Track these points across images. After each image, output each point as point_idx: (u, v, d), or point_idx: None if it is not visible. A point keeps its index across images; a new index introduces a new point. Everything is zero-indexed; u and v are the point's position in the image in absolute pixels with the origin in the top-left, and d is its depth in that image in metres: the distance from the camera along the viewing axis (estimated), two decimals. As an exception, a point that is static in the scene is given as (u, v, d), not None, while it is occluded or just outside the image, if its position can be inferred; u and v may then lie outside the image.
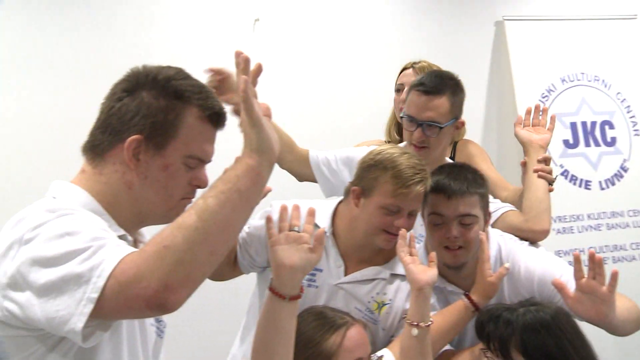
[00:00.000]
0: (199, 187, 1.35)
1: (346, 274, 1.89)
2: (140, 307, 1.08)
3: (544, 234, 2.09)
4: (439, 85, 2.11)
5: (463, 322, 1.82)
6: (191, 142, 1.31)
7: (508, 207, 2.15)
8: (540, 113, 2.33)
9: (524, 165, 2.23)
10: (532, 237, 2.07)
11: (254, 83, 1.29)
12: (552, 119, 2.31)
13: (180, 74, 1.33)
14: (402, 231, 1.77)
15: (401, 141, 2.26)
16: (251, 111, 1.23)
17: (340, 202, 1.96)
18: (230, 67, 1.43)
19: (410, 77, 2.50)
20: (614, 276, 1.63)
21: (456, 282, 1.94)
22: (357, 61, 3.62)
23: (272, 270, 1.54)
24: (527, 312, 1.57)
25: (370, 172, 1.84)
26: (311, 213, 1.60)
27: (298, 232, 1.55)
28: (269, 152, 1.24)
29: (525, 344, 1.56)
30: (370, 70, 3.61)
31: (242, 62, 1.26)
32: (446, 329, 1.78)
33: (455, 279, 1.94)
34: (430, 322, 1.70)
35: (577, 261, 1.67)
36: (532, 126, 2.30)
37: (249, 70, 1.27)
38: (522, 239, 2.05)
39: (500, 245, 1.97)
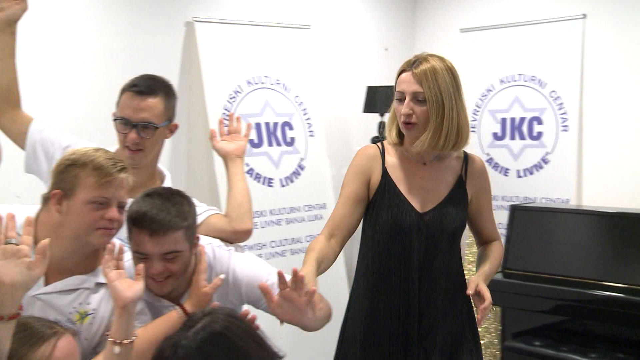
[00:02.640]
0: None
1: (46, 284, 1.82)
2: None
3: (247, 234, 2.21)
4: (152, 86, 2.14)
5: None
6: None
7: (212, 210, 2.23)
8: (236, 120, 2.42)
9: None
10: (236, 239, 2.18)
11: None
12: (248, 126, 2.43)
13: None
14: (110, 245, 1.76)
15: (402, 143, 2.22)
16: None
17: (39, 211, 1.88)
18: None
19: (412, 84, 2.17)
20: (310, 295, 1.77)
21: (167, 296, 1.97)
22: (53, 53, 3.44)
23: None
24: (197, 332, 1.47)
25: (69, 172, 1.81)
26: (29, 223, 1.51)
27: (16, 244, 1.45)
28: None
29: None
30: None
31: None
32: (157, 339, 1.75)
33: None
34: (133, 339, 1.71)
35: (280, 276, 1.77)
36: (229, 134, 2.39)
37: None
38: (226, 240, 2.15)
39: (209, 253, 2.05)
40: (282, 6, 4.27)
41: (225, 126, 2.41)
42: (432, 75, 2.06)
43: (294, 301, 1.78)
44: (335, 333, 2.31)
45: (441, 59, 2.13)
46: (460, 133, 2.10)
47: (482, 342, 4.10)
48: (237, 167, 2.34)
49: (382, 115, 4.32)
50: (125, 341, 1.68)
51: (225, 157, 2.34)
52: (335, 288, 4.14)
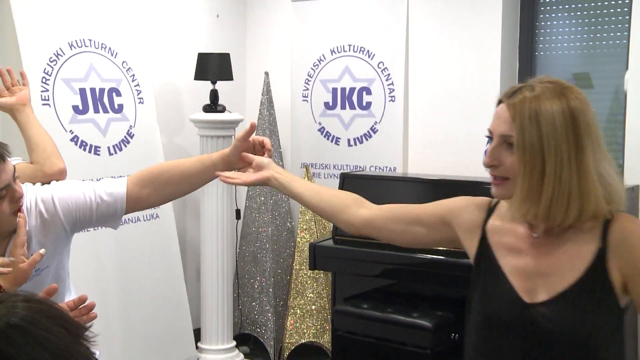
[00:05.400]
0: None
1: None
2: None
3: (62, 173, 2.23)
4: None
5: None
6: None
7: (16, 159, 2.14)
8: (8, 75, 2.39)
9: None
10: (52, 180, 2.13)
11: None
12: (22, 73, 2.43)
13: None
14: None
15: None
16: None
17: None
18: None
19: (502, 122, 1.62)
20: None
21: None
22: None
23: None
24: None
25: None
26: None
27: None
28: None
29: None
30: None
31: None
32: None
33: None
34: None
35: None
36: (8, 89, 2.37)
37: None
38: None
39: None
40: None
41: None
42: (533, 115, 1.46)
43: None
44: None
45: (561, 91, 1.49)
46: (575, 201, 1.45)
47: (313, 307, 4.21)
48: (27, 115, 2.33)
49: (213, 83, 4.25)
50: None
51: (11, 110, 2.33)
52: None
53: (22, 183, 1.97)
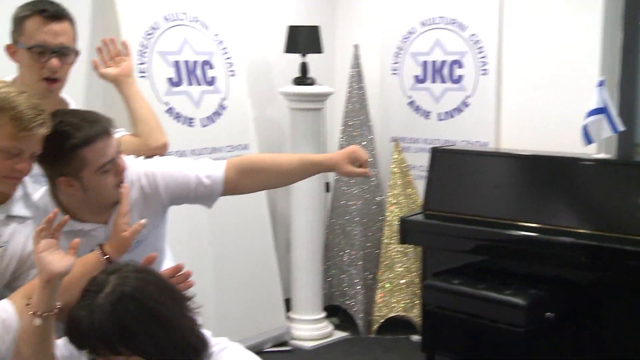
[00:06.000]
0: None
1: None
2: None
3: (164, 148, 2.26)
4: (61, 9, 2.08)
5: (93, 274, 1.79)
6: None
7: (121, 130, 2.18)
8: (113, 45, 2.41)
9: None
10: (155, 154, 2.18)
11: None
12: (124, 44, 2.42)
13: None
14: (51, 214, 1.64)
15: None
16: None
17: None
18: None
19: None
20: None
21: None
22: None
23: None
24: (107, 296, 1.46)
25: None
26: None
27: None
28: None
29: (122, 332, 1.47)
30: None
31: None
32: (74, 281, 1.66)
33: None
34: (55, 311, 1.62)
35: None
36: (112, 58, 2.38)
37: None
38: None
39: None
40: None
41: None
42: None
43: None
44: None
45: None
46: None
47: (402, 281, 4.19)
48: (130, 87, 2.35)
49: (303, 55, 4.25)
50: (46, 314, 1.60)
51: (115, 81, 2.34)
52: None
53: (126, 156, 2.02)
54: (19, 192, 1.85)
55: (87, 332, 1.45)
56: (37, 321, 1.59)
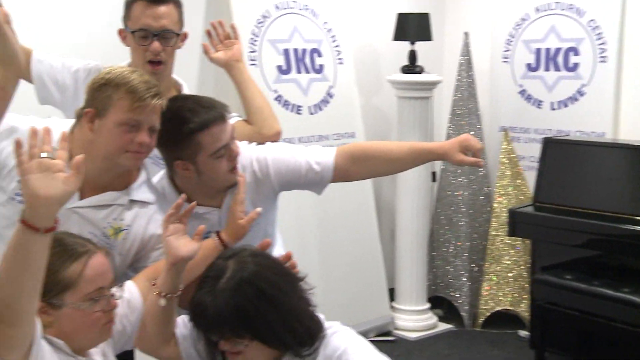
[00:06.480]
0: None
1: (81, 198, 1.80)
2: None
3: (278, 136, 2.26)
4: None
5: (210, 260, 1.78)
6: None
7: (235, 116, 2.19)
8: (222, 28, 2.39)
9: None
10: (269, 141, 2.19)
11: None
12: (233, 27, 2.39)
13: None
14: (179, 200, 1.73)
15: None
16: None
17: (73, 127, 1.83)
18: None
19: None
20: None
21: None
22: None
23: (24, 201, 1.37)
24: (228, 281, 1.53)
25: (102, 91, 1.76)
26: (64, 138, 1.45)
27: (51, 158, 1.40)
28: (15, 64, 1.11)
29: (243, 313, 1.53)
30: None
31: None
32: (194, 266, 1.73)
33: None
34: (179, 293, 1.69)
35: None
36: (221, 42, 2.35)
37: None
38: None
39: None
40: None
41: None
42: None
43: None
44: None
45: None
46: None
47: (510, 274, 4.09)
48: (242, 72, 2.33)
49: (412, 43, 4.20)
50: (170, 295, 1.67)
51: (226, 65, 2.33)
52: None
53: (240, 141, 2.05)
54: (141, 178, 1.92)
55: (214, 317, 1.51)
56: (162, 301, 1.67)
